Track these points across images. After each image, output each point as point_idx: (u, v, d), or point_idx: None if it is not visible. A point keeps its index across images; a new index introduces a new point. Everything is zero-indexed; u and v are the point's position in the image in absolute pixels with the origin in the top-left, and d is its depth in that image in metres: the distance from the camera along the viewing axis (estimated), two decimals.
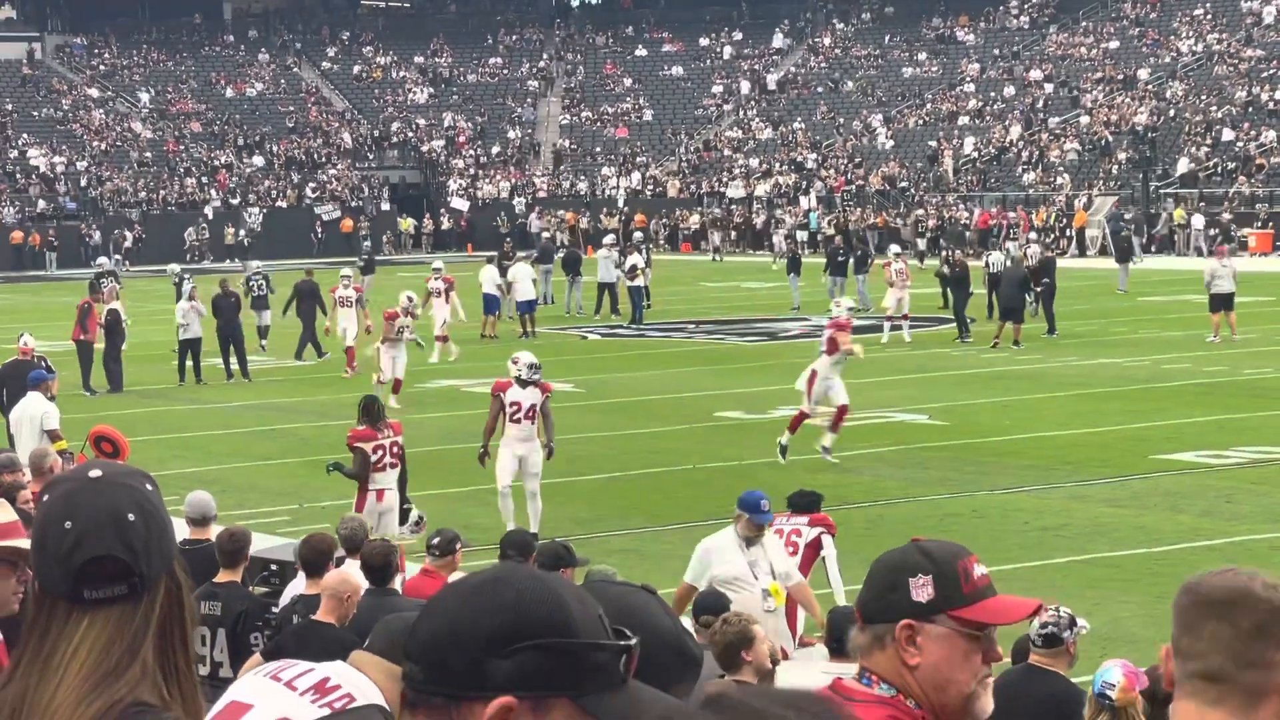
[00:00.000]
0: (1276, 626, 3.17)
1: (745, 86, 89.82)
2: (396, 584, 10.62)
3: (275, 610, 10.68)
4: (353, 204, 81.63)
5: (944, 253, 46.37)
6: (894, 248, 43.14)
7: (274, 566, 12.43)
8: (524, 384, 19.37)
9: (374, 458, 17.13)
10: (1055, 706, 8.59)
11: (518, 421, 19.37)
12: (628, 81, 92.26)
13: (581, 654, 2.40)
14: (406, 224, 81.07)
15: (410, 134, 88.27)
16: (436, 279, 37.80)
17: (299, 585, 10.87)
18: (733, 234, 74.74)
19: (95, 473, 2.85)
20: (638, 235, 57.21)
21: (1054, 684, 8.84)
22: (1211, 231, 61.64)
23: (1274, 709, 3.17)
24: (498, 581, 2.45)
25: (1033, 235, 61.51)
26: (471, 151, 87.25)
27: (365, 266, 50.48)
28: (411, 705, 2.45)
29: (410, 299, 31.46)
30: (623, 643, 2.44)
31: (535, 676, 2.38)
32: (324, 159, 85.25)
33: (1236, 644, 3.14)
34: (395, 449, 17.30)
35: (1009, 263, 40.34)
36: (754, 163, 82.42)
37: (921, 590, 3.37)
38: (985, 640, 3.42)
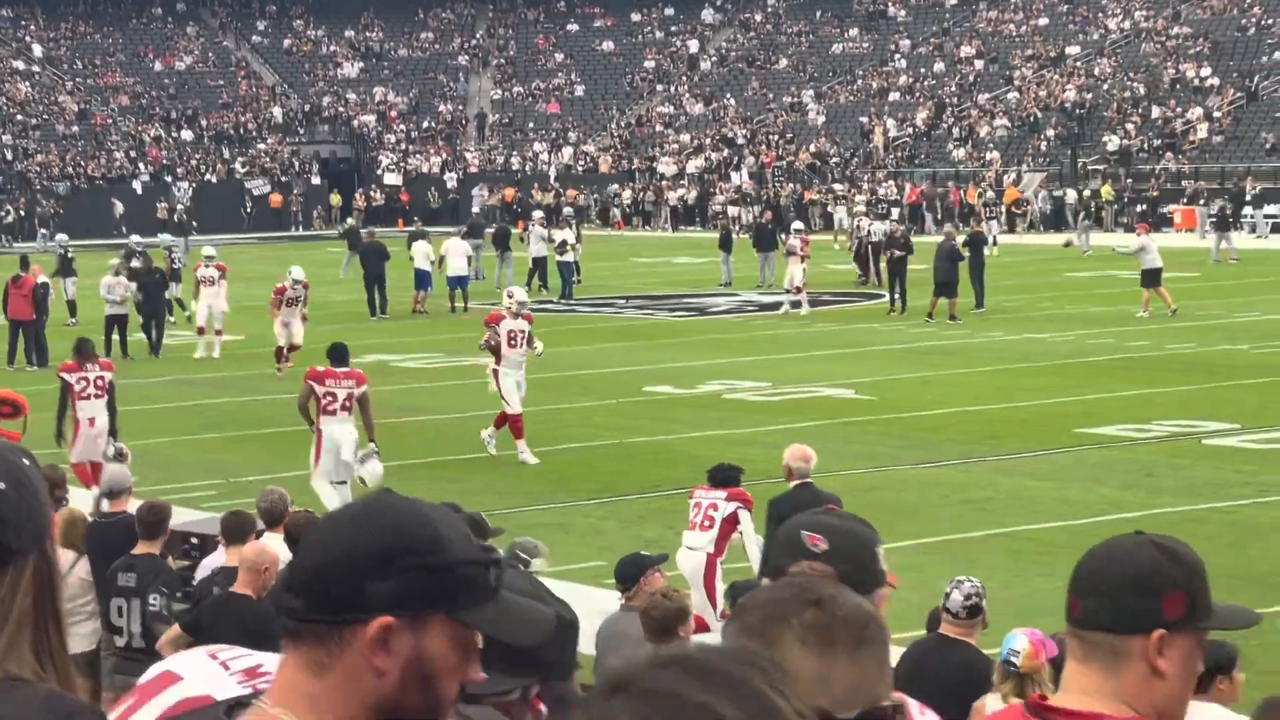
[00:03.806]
0: None
1: (676, 62, 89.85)
2: None
3: (194, 583, 10.68)
4: (283, 179, 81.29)
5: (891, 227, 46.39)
6: (796, 223, 43.46)
7: (194, 540, 12.41)
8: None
9: (78, 388, 19.35)
10: (966, 674, 8.72)
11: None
12: (559, 57, 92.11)
13: (455, 571, 2.50)
14: (337, 199, 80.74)
15: (341, 109, 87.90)
16: (209, 266, 34.75)
17: (219, 558, 10.88)
18: (661, 210, 74.80)
19: None
20: (568, 210, 57.12)
21: (965, 652, 8.99)
22: (1139, 208, 62.11)
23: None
24: (370, 509, 2.54)
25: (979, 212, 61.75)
26: (403, 126, 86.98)
27: (351, 241, 49.46)
28: (293, 637, 2.52)
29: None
30: (490, 556, 2.55)
31: (413, 596, 2.47)
32: (253, 133, 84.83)
33: None
34: (100, 382, 19.50)
35: (942, 237, 40.62)
36: (685, 138, 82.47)
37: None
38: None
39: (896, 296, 38.20)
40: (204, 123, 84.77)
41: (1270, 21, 73.28)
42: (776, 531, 3.75)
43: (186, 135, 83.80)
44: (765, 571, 3.66)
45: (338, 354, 19.14)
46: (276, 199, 79.25)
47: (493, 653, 2.72)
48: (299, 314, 31.29)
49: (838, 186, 71.22)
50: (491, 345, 22.73)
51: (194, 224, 64.66)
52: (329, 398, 18.73)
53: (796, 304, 38.13)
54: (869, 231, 45.50)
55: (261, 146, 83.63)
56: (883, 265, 41.49)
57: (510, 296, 23.52)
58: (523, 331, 22.84)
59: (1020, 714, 3.44)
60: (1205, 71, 71.44)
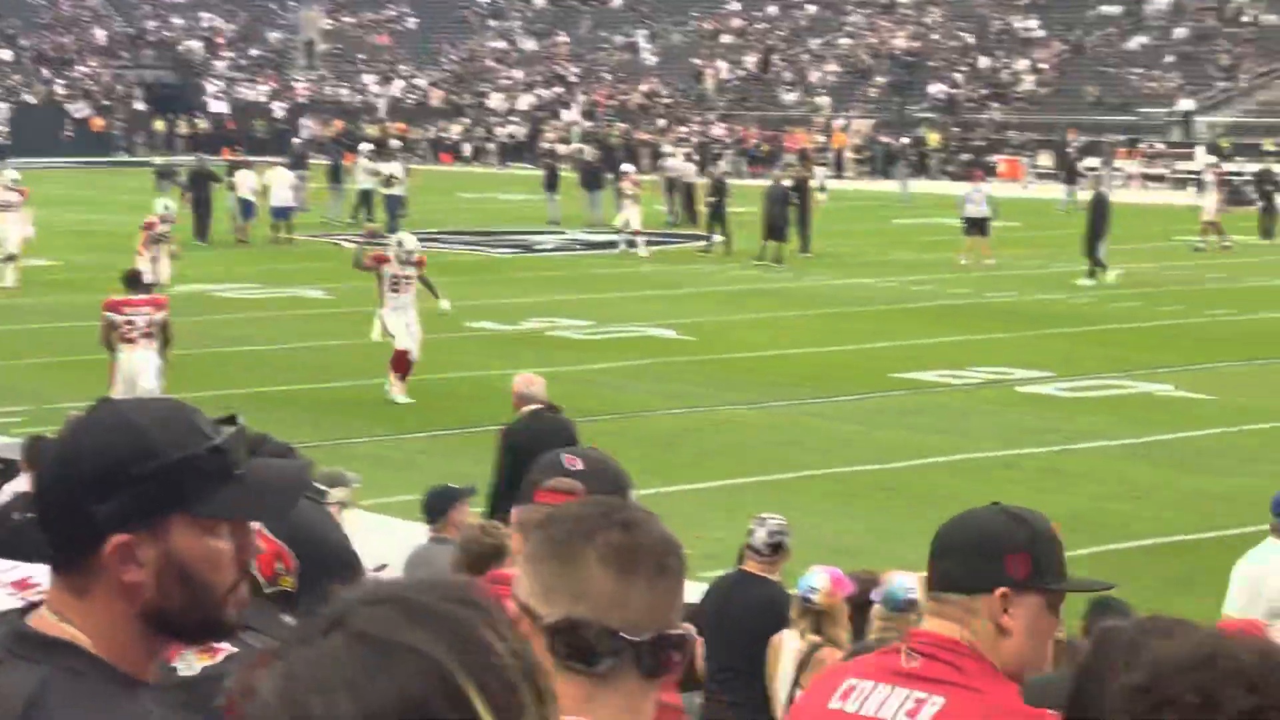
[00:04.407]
0: None
1: None
2: None
3: None
4: (106, 103, 79.80)
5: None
6: (627, 166, 43.69)
7: None
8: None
9: None
10: (768, 611, 8.80)
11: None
12: None
13: (175, 471, 2.47)
14: (161, 125, 79.39)
15: (167, 33, 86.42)
16: (10, 190, 32.94)
17: (21, 483, 10.70)
18: (490, 146, 74.44)
19: None
20: (395, 144, 56.66)
21: (768, 589, 9.08)
22: (963, 157, 62.80)
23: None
24: (74, 434, 2.54)
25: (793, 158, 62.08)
26: (230, 53, 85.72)
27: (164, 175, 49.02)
28: (53, 561, 2.53)
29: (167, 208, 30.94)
30: (211, 444, 2.51)
31: (139, 507, 2.46)
32: (76, 55, 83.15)
33: None
34: None
35: (771, 181, 41.17)
36: (518, 74, 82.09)
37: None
38: None
39: (718, 238, 38.51)
40: (24, 43, 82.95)
41: None
42: (541, 456, 3.87)
43: (5, 55, 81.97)
44: (521, 490, 3.78)
45: (134, 280, 18.91)
46: (98, 123, 77.79)
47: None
48: (167, 250, 29.69)
49: (662, 122, 71.40)
50: (366, 266, 22.47)
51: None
52: (128, 325, 18.56)
53: (632, 244, 38.22)
54: (680, 173, 46.77)
55: (84, 70, 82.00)
56: (700, 208, 42.16)
57: (400, 245, 22.81)
58: (409, 277, 22.28)
59: (895, 649, 3.66)
60: (1031, 23, 72.31)
